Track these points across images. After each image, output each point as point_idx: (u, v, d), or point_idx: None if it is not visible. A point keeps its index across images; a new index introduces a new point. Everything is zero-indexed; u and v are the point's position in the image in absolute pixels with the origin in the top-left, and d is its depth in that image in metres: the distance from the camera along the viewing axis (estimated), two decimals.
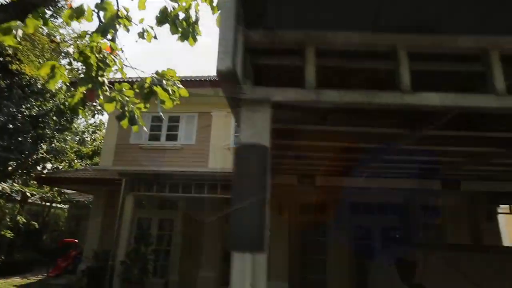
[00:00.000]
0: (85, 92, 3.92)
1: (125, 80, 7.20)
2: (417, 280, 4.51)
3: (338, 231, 8.09)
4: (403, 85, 1.14)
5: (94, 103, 3.62)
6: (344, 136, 3.04)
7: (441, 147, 3.20)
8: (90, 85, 3.83)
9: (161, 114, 3.85)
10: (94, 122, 13.32)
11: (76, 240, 12.90)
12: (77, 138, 12.32)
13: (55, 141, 10.45)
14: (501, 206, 8.97)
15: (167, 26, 4.36)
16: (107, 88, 4.02)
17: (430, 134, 2.69)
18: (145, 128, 4.38)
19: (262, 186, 0.87)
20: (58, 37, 11.22)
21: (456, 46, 1.18)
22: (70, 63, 11.41)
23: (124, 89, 4.20)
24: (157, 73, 4.31)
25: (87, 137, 13.24)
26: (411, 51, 1.19)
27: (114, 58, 3.88)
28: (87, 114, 13.36)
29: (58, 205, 14.61)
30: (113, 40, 3.66)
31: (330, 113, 2.48)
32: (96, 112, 11.87)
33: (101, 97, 3.90)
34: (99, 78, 3.89)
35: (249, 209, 0.83)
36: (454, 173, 4.78)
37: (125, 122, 4.19)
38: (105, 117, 14.68)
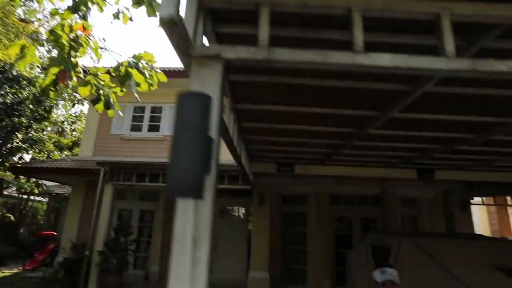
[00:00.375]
0: (57, 73, 3.80)
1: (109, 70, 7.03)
2: (391, 262, 4.63)
3: (318, 222, 8.19)
4: (356, 45, 1.15)
5: (67, 85, 3.50)
6: (316, 119, 3.06)
7: (411, 132, 3.27)
8: (62, 66, 3.72)
9: (137, 96, 3.76)
10: (75, 113, 12.92)
11: (55, 233, 12.60)
12: (56, 129, 11.91)
13: (32, 130, 10.09)
14: (475, 198, 9.30)
15: (144, 9, 4.27)
16: (81, 70, 3.91)
17: (398, 116, 2.74)
18: (120, 113, 4.27)
19: (203, 135, 0.85)
20: (35, 23, 10.83)
21: (408, 9, 1.20)
22: (49, 51, 11.02)
23: (100, 73, 4.11)
24: (134, 56, 4.21)
25: (66, 127, 12.88)
26: (365, 15, 1.20)
27: (87, 38, 3.77)
28: (67, 104, 13.00)
29: (37, 198, 14.21)
30: (84, 18, 3.55)
31: (301, 93, 2.49)
32: (76, 102, 11.55)
33: (74, 79, 3.80)
34: (72, 59, 3.78)
35: (188, 157, 0.81)
36: (428, 162, 4.90)
37: (100, 106, 4.09)
38: (85, 108, 14.29)
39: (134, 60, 4.15)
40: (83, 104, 12.50)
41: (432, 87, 2.13)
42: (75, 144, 12.71)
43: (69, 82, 3.88)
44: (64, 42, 3.59)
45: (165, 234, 9.29)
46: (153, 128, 10.69)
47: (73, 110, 12.88)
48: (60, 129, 12.11)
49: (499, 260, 3.83)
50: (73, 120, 12.40)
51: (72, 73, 3.81)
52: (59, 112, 12.62)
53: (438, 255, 3.85)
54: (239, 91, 2.51)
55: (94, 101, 4.13)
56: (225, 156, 4.37)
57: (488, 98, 2.40)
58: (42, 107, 10.65)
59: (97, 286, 6.98)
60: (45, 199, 14.80)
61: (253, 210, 8.21)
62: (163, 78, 4.32)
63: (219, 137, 1.14)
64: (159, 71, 4.27)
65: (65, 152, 12.35)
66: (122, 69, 4.12)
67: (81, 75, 3.91)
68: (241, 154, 3.79)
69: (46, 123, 11.22)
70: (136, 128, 10.75)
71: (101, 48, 4.32)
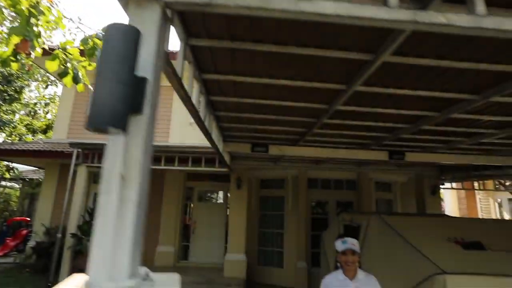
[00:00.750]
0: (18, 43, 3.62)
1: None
2: (360, 242, 4.78)
3: (296, 205, 8.32)
4: None
5: (28, 54, 3.32)
6: (285, 93, 3.07)
7: (378, 109, 3.33)
8: (23, 37, 3.54)
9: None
10: (49, 94, 12.37)
11: (28, 219, 12.26)
12: (29, 111, 11.38)
13: (1, 112, 9.61)
14: (446, 183, 9.68)
15: None
16: (44, 41, 3.74)
17: (363, 90, 2.78)
18: (90, 87, 4.13)
19: (128, 67, 0.82)
20: None
21: None
22: (12, 21, 10.47)
23: (68, 46, 3.94)
24: (103, 28, 4.06)
25: (39, 109, 12.36)
26: None
27: (50, 6, 3.59)
28: (40, 86, 12.48)
29: (9, 183, 13.69)
30: None
31: (265, 63, 2.47)
32: (49, 83, 11.08)
33: (38, 50, 3.63)
34: (34, 28, 3.60)
35: (110, 87, 0.78)
36: (398, 144, 5.03)
37: (67, 80, 3.94)
38: (60, 89, 13.68)
39: (102, 32, 4.01)
40: (57, 86, 11.98)
41: (390, 57, 2.17)
42: (50, 127, 12.22)
43: (32, 52, 3.71)
44: (23, 8, 3.41)
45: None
46: None
47: (46, 92, 12.32)
48: (32, 112, 11.60)
49: (458, 235, 4.03)
50: (47, 102, 11.91)
51: (36, 43, 3.64)
52: (31, 95, 12.07)
53: (402, 231, 4.00)
54: (202, 59, 2.47)
55: (61, 75, 3.97)
56: (205, 141, 4.34)
57: (447, 72, 2.46)
58: (12, 88, 10.15)
59: (70, 268, 6.87)
60: (19, 185, 14.30)
61: (230, 193, 8.24)
62: None
63: (157, 83, 1.11)
64: None
65: (39, 136, 11.88)
66: (91, 42, 3.97)
67: (46, 47, 3.75)
68: (211, 130, 3.76)
69: (17, 105, 10.71)
70: None
71: (67, 19, 4.13)
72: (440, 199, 8.65)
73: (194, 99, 2.56)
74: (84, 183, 7.46)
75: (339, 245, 2.59)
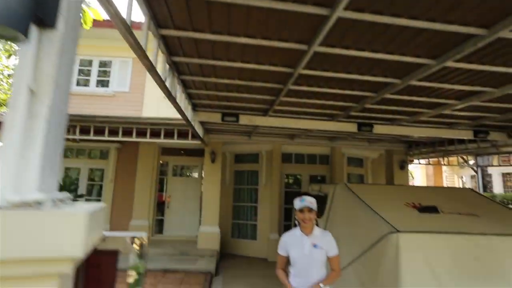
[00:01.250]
0: None
1: None
2: (327, 208, 4.96)
3: (270, 179, 8.44)
4: None
5: None
6: (248, 55, 3.02)
7: (341, 74, 3.35)
8: None
9: None
10: (13, 65, 11.52)
11: None
12: None
13: None
14: (415, 160, 10.08)
15: None
16: None
17: (322, 51, 2.78)
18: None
19: None
20: None
21: None
22: None
23: None
24: None
25: (3, 80, 11.63)
26: None
27: None
28: (1, 56, 11.69)
29: None
30: None
31: (223, 18, 2.41)
32: (12, 53, 10.37)
33: None
34: None
35: None
36: (366, 115, 5.13)
37: None
38: None
39: None
40: None
41: (343, 12, 2.16)
42: None
43: None
44: None
45: (116, 193, 9.09)
46: (102, 83, 10.05)
47: (10, 62, 11.58)
48: None
49: (415, 200, 4.25)
50: (10, 73, 11.20)
51: None
52: None
53: (364, 197, 4.16)
54: (158, 12, 2.37)
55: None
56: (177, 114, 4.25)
57: (404, 32, 2.49)
58: None
59: None
60: None
61: (205, 167, 8.23)
62: (98, 15, 3.97)
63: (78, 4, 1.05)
64: (91, 6, 3.91)
65: (2, 109, 11.22)
66: None
67: None
68: (176, 94, 3.68)
69: None
70: (82, 82, 10.04)
71: None
72: (408, 174, 9.02)
73: (152, 56, 2.48)
74: None
75: (297, 203, 2.67)
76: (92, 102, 9.69)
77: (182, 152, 9.64)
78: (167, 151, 9.63)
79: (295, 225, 2.77)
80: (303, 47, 2.75)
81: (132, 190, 9.08)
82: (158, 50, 2.76)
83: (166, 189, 9.50)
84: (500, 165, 9.60)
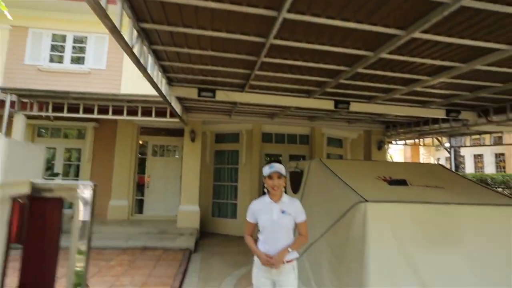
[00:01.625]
0: None
1: None
2: (302, 184, 5.05)
3: (250, 159, 8.47)
4: None
5: None
6: (218, 22, 2.95)
7: (315, 45, 3.34)
8: None
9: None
10: None
11: None
12: None
13: None
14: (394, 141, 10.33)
15: None
16: None
17: (292, 18, 2.75)
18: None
19: None
20: None
21: None
22: None
23: None
24: None
25: None
26: None
27: None
28: None
29: None
30: None
31: None
32: None
33: None
34: None
35: None
36: (342, 92, 5.17)
37: None
38: None
39: None
40: None
41: None
42: None
43: None
44: None
45: (94, 173, 8.93)
46: (78, 60, 9.67)
47: None
48: None
49: (386, 174, 4.38)
50: None
51: None
52: None
53: (337, 171, 4.24)
54: None
55: None
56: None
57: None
58: None
59: None
60: None
61: (184, 146, 8.16)
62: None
63: None
64: None
65: None
66: None
67: None
68: (147, 65, 3.58)
69: None
70: (56, 59, 9.62)
71: None
72: (385, 155, 9.26)
73: (115, 18, 2.38)
74: (22, 133, 6.94)
75: (266, 170, 2.66)
76: (66, 79, 9.34)
77: (162, 132, 9.50)
78: (146, 130, 9.47)
79: (264, 193, 2.79)
80: (272, 13, 2.70)
81: (110, 170, 8.94)
82: (123, 12, 2.66)
83: (146, 169, 9.39)
84: (471, 146, 9.96)
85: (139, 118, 7.16)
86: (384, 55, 3.47)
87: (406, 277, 3.08)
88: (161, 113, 7.46)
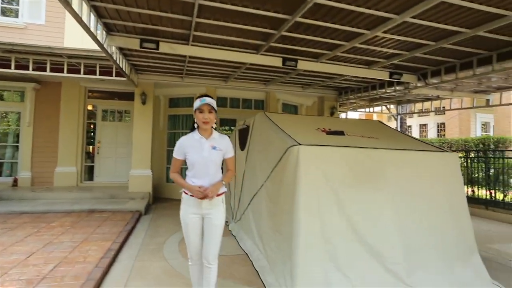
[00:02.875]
0: None
1: None
2: (248, 139, 5.09)
3: None
4: None
5: None
6: None
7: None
8: None
9: None
10: None
11: None
12: None
13: None
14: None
15: None
16: None
17: None
18: None
19: None
20: None
21: None
22: None
23: None
24: None
25: None
26: None
27: None
28: None
29: None
30: None
31: None
32: None
33: None
34: None
35: None
36: (289, 47, 5.18)
37: None
38: None
39: None
40: None
41: None
42: None
43: None
44: None
45: (37, 138, 8.35)
46: (10, 12, 8.71)
47: None
48: None
49: (326, 127, 4.54)
50: None
51: None
52: None
53: (279, 123, 4.31)
54: None
55: None
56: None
57: None
58: None
59: None
60: None
61: (135, 109, 7.83)
62: None
63: None
64: None
65: None
66: None
67: None
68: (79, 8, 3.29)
69: None
70: None
71: None
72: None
73: None
74: None
75: (197, 103, 2.57)
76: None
77: (112, 96, 9.02)
78: (95, 94, 8.94)
79: (193, 129, 2.73)
80: None
81: (56, 135, 8.41)
82: None
83: (95, 134, 8.95)
84: (416, 112, 10.62)
85: (81, 76, 6.71)
86: (319, 1, 3.47)
87: (334, 213, 3.27)
88: (107, 72, 7.04)
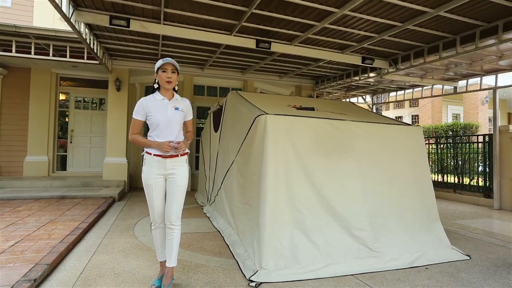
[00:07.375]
0: None
1: None
2: (222, 119, 5.08)
3: None
4: None
5: None
6: None
7: None
8: None
9: None
10: None
11: None
12: None
13: None
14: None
15: None
16: None
17: None
18: None
19: None
20: None
21: None
22: None
23: None
24: None
25: None
26: None
27: None
28: None
29: None
30: None
31: None
32: None
33: None
34: None
35: None
36: (263, 28, 5.20)
37: None
38: None
39: None
40: None
41: None
42: None
43: None
44: None
45: (3, 126, 8.01)
46: None
47: None
48: None
49: (296, 103, 4.60)
50: None
51: None
52: None
53: (251, 100, 4.33)
54: None
55: None
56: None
57: None
58: None
59: None
60: None
61: (109, 96, 7.65)
62: None
63: None
64: None
65: None
66: None
67: None
68: None
69: None
70: None
71: None
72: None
73: None
74: None
75: (159, 63, 2.53)
76: None
77: (86, 83, 8.77)
78: (67, 81, 8.67)
79: (153, 91, 2.67)
80: None
81: (25, 124, 8.10)
82: None
83: (68, 122, 8.68)
84: (391, 102, 10.90)
85: (50, 58, 6.49)
86: None
87: (301, 181, 3.30)
88: (78, 57, 6.85)
